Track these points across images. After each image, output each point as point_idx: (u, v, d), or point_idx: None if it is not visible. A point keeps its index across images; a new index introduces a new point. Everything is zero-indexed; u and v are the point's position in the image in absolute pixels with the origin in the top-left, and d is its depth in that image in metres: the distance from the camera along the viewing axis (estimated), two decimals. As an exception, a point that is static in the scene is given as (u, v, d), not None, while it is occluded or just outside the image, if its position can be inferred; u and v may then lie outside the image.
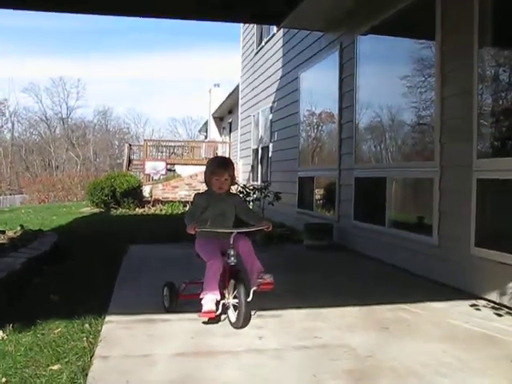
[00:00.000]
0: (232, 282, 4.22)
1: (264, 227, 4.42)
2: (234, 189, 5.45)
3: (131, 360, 3.45)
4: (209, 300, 4.09)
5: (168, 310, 4.55)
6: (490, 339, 4.01)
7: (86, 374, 3.18)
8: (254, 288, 4.22)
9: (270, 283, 4.30)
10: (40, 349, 3.65)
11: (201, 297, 4.11)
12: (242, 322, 4.05)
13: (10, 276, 5.19)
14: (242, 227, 4.40)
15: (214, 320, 4.18)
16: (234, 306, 4.18)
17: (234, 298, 4.16)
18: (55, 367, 3.31)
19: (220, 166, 4.47)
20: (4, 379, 3.13)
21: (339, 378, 3.15)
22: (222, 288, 4.26)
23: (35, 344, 3.74)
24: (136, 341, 3.84)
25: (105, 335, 3.93)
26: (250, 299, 4.10)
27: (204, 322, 4.20)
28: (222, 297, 4.22)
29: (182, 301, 4.60)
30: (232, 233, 4.29)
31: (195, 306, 4.18)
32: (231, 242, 4.26)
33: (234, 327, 4.11)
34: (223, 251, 4.31)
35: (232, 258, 4.24)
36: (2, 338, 3.86)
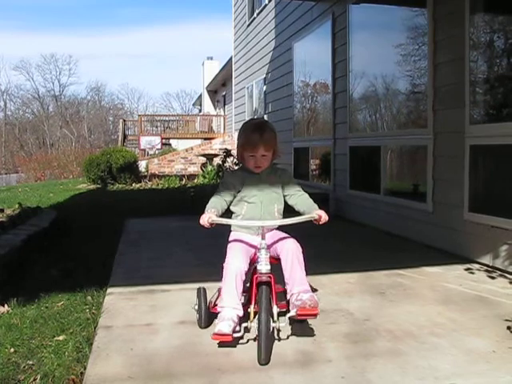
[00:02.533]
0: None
1: (312, 218, 3.19)
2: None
3: (134, 329, 3.54)
4: (225, 318, 3.08)
5: (201, 327, 3.47)
6: (483, 300, 4.11)
7: (91, 344, 3.27)
8: (291, 314, 3.15)
9: (312, 311, 3.08)
10: (45, 321, 3.74)
11: (218, 310, 3.20)
12: (263, 357, 2.89)
13: (11, 252, 5.26)
14: (281, 219, 3.32)
15: (232, 344, 3.13)
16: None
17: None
18: (60, 338, 3.40)
19: (253, 137, 3.22)
20: (12, 349, 3.22)
21: (337, 341, 3.24)
22: (247, 302, 3.23)
23: (40, 316, 3.83)
24: (138, 311, 3.93)
25: (107, 306, 4.02)
26: (276, 325, 3.05)
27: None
28: (246, 315, 3.15)
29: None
30: (262, 228, 3.17)
31: (194, 276, 4.25)
32: (262, 241, 3.12)
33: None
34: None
35: (261, 263, 3.08)
36: (7, 311, 3.95)
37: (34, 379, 2.82)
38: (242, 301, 3.20)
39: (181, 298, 4.20)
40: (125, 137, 29.16)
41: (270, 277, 3.06)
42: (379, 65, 7.50)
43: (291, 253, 3.19)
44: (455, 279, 4.74)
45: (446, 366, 2.90)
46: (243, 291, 3.22)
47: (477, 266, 5.20)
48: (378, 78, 7.59)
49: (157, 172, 21.84)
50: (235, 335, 3.06)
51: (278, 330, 3.18)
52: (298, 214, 3.34)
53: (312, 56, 10.37)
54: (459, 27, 5.46)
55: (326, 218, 3.21)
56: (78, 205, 11.07)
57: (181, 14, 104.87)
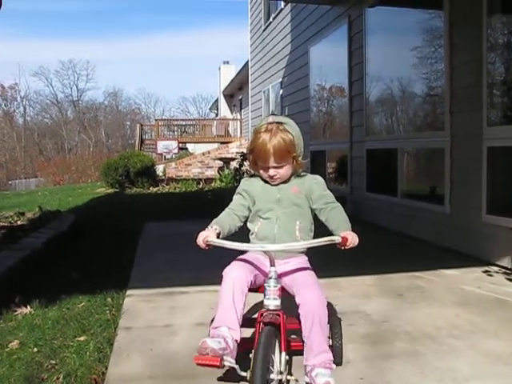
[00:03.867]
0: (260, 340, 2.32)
1: (332, 242, 2.44)
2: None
3: (154, 330, 3.58)
4: (214, 336, 2.47)
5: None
6: (502, 303, 4.10)
7: (112, 344, 3.32)
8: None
9: None
10: (66, 322, 3.79)
11: (211, 328, 2.57)
12: None
13: (32, 254, 5.33)
14: (288, 244, 2.58)
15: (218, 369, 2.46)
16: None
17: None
18: (82, 338, 3.45)
19: (261, 146, 2.60)
20: (35, 349, 3.28)
21: (356, 342, 3.25)
22: (248, 324, 2.63)
23: (61, 317, 3.88)
24: (157, 312, 3.96)
25: (127, 308, 4.06)
26: (283, 378, 2.42)
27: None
28: (242, 342, 2.53)
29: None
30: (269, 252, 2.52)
31: (213, 279, 4.27)
32: (271, 268, 2.49)
33: None
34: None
35: (268, 297, 2.46)
36: (30, 312, 4.01)
37: (57, 378, 2.87)
38: (240, 321, 2.53)
39: (199, 299, 4.24)
40: (142, 141, 29.29)
41: (278, 315, 2.43)
42: (395, 68, 7.49)
43: (311, 314, 2.48)
44: (473, 281, 4.72)
45: (464, 368, 2.90)
46: (245, 324, 2.59)
47: (495, 268, 5.17)
48: (394, 81, 7.59)
49: (174, 176, 21.94)
50: (226, 363, 2.36)
51: (287, 382, 2.48)
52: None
53: (328, 59, 10.38)
54: (476, 29, 5.44)
55: (355, 241, 2.48)
56: (97, 208, 11.17)
57: (197, 19, 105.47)
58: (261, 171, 2.70)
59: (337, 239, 2.43)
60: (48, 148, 53.54)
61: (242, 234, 2.75)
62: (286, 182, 2.72)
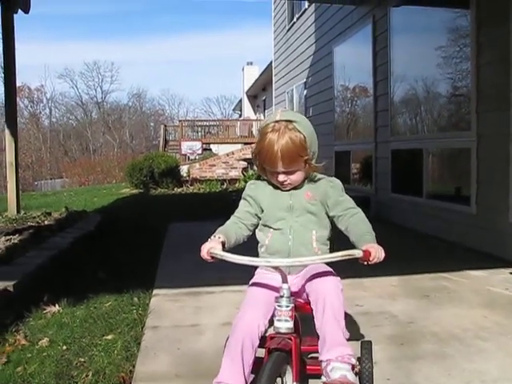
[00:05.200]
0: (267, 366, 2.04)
1: (352, 256, 2.10)
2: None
3: (180, 329, 3.61)
4: None
5: None
6: (530, 304, 4.06)
7: (139, 343, 3.35)
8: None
9: None
10: (94, 320, 3.83)
11: (214, 382, 2.22)
12: None
13: (60, 254, 5.40)
14: (307, 257, 2.25)
15: None
16: None
17: None
18: (109, 337, 3.49)
19: (267, 149, 2.30)
20: (64, 347, 3.33)
21: (382, 343, 3.24)
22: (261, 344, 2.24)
23: (89, 316, 3.93)
24: (183, 312, 4.00)
25: (153, 307, 4.10)
26: None
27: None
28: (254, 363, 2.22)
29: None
30: (289, 267, 2.35)
31: (236, 280, 4.29)
32: (282, 285, 2.20)
33: None
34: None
35: (279, 318, 2.18)
36: (59, 311, 4.07)
37: (86, 375, 2.91)
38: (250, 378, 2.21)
39: (224, 299, 4.26)
40: (166, 142, 29.47)
41: (289, 339, 2.15)
42: (420, 67, 7.45)
43: (322, 300, 2.22)
44: (500, 283, 4.67)
45: (492, 370, 2.87)
46: (255, 365, 2.20)
47: (522, 269, 5.12)
48: (418, 81, 7.54)
49: (198, 177, 22.04)
50: None
51: None
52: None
53: (352, 60, 10.35)
54: (503, 28, 5.39)
55: (380, 255, 2.16)
56: (122, 209, 11.27)
57: (220, 20, 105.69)
58: (272, 176, 2.39)
59: (358, 253, 2.09)
60: (73, 149, 54.08)
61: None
62: (298, 186, 2.42)
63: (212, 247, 2.23)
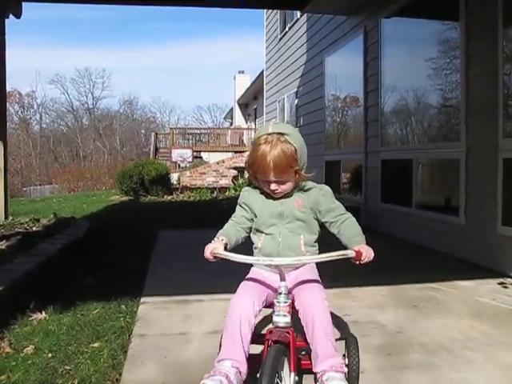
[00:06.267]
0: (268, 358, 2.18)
1: (345, 256, 2.31)
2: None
3: (168, 338, 3.58)
4: (216, 372, 2.36)
5: None
6: (518, 315, 4.07)
7: (126, 351, 3.32)
8: None
9: None
10: (80, 328, 3.79)
11: (215, 362, 2.43)
12: None
13: (48, 260, 5.37)
14: (300, 257, 2.50)
15: None
16: None
17: None
18: (96, 345, 3.45)
19: (260, 160, 2.44)
20: (50, 355, 3.29)
21: (370, 353, 3.23)
22: (258, 341, 2.49)
23: (76, 323, 3.89)
24: (171, 320, 3.97)
25: (141, 315, 4.07)
26: None
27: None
28: (250, 370, 2.40)
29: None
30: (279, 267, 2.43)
31: (225, 288, 4.28)
32: (281, 283, 2.41)
33: None
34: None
35: (277, 313, 2.37)
36: (45, 318, 4.02)
37: (72, 383, 2.88)
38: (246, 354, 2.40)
39: (213, 308, 4.24)
40: (156, 149, 29.47)
41: (287, 333, 2.33)
42: (411, 78, 7.48)
43: (311, 317, 2.39)
44: (488, 293, 4.68)
45: (479, 381, 2.87)
46: (253, 341, 2.44)
47: (511, 280, 5.13)
48: (409, 92, 7.58)
49: (188, 184, 22.01)
50: None
51: None
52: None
53: (344, 70, 10.39)
54: (492, 40, 5.43)
55: (370, 255, 2.35)
56: (111, 216, 11.22)
57: (212, 29, 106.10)
58: (264, 184, 2.54)
59: (350, 253, 2.30)
60: (63, 155, 53.91)
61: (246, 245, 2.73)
62: (288, 194, 2.57)
63: (215, 248, 2.41)
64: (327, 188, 2.63)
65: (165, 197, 16.61)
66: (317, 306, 2.41)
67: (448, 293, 4.72)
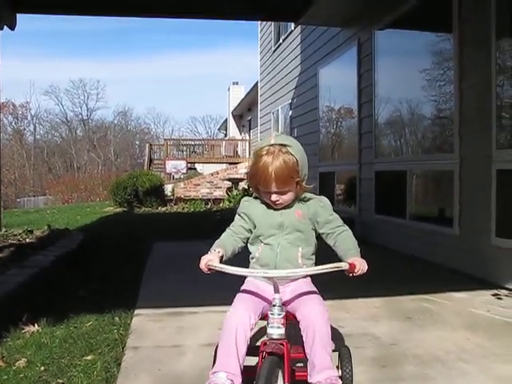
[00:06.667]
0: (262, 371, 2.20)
1: (339, 269, 2.33)
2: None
3: (162, 350, 3.57)
4: None
5: None
6: (512, 327, 4.07)
7: (119, 364, 3.30)
8: None
9: None
10: (74, 341, 3.77)
11: (210, 373, 2.43)
12: None
13: (41, 272, 5.34)
14: (295, 269, 2.50)
15: None
16: None
17: None
18: (89, 357, 3.43)
19: (262, 171, 2.46)
20: (42, 368, 3.27)
21: (365, 365, 3.22)
22: (252, 353, 2.47)
23: (69, 336, 3.87)
24: (165, 332, 3.95)
25: (135, 327, 4.05)
26: None
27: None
28: (246, 371, 2.42)
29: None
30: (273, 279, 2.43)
31: (221, 300, 4.26)
32: (275, 295, 2.40)
33: None
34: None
35: (272, 325, 2.36)
36: (38, 330, 4.00)
37: (64, 397, 2.86)
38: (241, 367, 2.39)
39: (208, 320, 4.22)
40: (151, 161, 29.47)
41: (281, 345, 2.33)
42: (405, 90, 7.52)
43: (312, 327, 2.41)
44: (483, 305, 4.68)
45: (474, 392, 2.87)
46: (248, 353, 2.43)
47: (505, 291, 5.13)
48: (403, 103, 7.61)
49: (182, 196, 21.98)
50: None
51: None
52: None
53: (338, 81, 10.43)
54: (485, 52, 5.46)
55: (364, 268, 2.39)
56: (106, 227, 11.19)
57: (207, 40, 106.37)
58: (265, 195, 2.55)
59: (344, 266, 2.33)
60: (57, 166, 53.80)
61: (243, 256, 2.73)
62: (288, 205, 2.59)
63: (210, 259, 2.41)
64: (326, 200, 2.69)
65: (159, 208, 16.60)
66: (318, 318, 2.43)
67: (442, 304, 4.72)
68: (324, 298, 2.56)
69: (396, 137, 8.21)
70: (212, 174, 24.91)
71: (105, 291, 5.19)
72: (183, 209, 16.50)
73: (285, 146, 2.48)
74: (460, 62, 6.02)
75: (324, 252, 2.70)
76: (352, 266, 2.35)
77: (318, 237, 2.68)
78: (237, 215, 2.72)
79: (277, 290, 2.39)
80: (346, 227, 2.65)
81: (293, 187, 2.51)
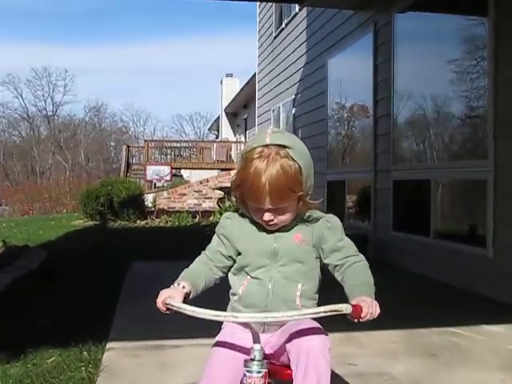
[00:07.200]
0: None
1: (340, 312, 1.96)
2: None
3: (138, 392, 3.54)
4: None
5: None
6: (557, 366, 4.05)
7: (87, 409, 3.28)
8: None
9: None
10: (31, 381, 3.73)
11: None
12: None
13: (-5, 298, 5.31)
14: (288, 313, 2.05)
15: None
16: None
17: None
18: (51, 401, 3.40)
19: (252, 181, 2.11)
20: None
21: (380, 411, 3.21)
22: None
23: (25, 375, 3.82)
24: (143, 370, 3.93)
25: (106, 364, 4.02)
26: None
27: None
28: None
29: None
30: (263, 324, 2.25)
31: (209, 330, 4.24)
32: (253, 346, 2.11)
33: None
34: None
35: None
36: (-12, 368, 3.97)
37: None
38: None
39: (193, 354, 4.18)
40: (128, 166, 29.46)
41: None
42: (429, 84, 7.53)
43: (305, 356, 2.09)
44: (522, 340, 4.68)
45: None
46: None
47: (548, 325, 5.13)
48: (427, 100, 7.61)
49: (166, 207, 21.99)
50: None
51: None
52: None
53: (350, 74, 10.45)
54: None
55: (374, 311, 2.01)
56: (73, 244, 11.16)
57: (196, 24, 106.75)
58: (255, 212, 2.22)
59: (345, 309, 1.96)
60: (15, 171, 53.83)
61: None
62: (286, 226, 2.26)
63: (170, 296, 2.12)
64: (336, 220, 2.35)
65: (138, 222, 16.58)
66: (315, 349, 2.10)
67: (473, 339, 4.70)
68: (329, 330, 2.26)
69: (418, 139, 8.21)
70: (201, 182, 24.92)
71: (71, 320, 5.15)
72: (166, 223, 16.50)
73: (284, 147, 2.14)
74: (496, 51, 6.02)
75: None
76: (357, 308, 1.99)
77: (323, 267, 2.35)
78: (215, 236, 2.40)
79: (256, 340, 2.11)
80: (361, 257, 2.31)
81: (293, 203, 2.18)
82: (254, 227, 2.29)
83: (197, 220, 16.73)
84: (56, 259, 8.42)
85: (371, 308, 2.01)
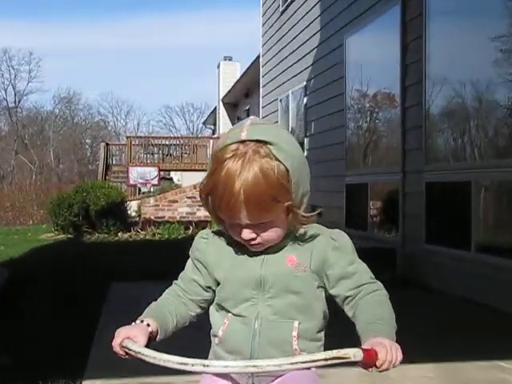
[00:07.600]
0: None
1: (346, 359, 1.69)
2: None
3: None
4: None
5: None
6: None
7: None
8: None
9: None
10: None
11: None
12: None
13: None
14: (283, 360, 1.75)
15: None
16: None
17: None
18: None
19: (224, 186, 1.89)
20: None
21: None
22: None
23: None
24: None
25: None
26: None
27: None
28: None
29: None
30: (251, 375, 2.01)
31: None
32: None
33: None
34: None
35: None
36: None
37: None
38: None
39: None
40: (108, 167, 29.51)
41: None
42: (469, 67, 7.51)
43: None
44: None
45: None
46: None
47: None
48: (467, 86, 7.60)
49: (153, 217, 21.99)
50: None
51: None
52: None
53: (372, 56, 10.45)
54: None
55: (393, 358, 1.73)
56: (41, 262, 11.16)
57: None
58: (232, 228, 2.02)
59: (354, 355, 1.70)
60: (-28, 175, 53.98)
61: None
62: (276, 246, 2.04)
63: (128, 336, 1.93)
64: (345, 238, 2.10)
65: (119, 235, 16.62)
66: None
67: (525, 375, 4.69)
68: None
69: (456, 134, 8.20)
70: (194, 187, 24.88)
71: (38, 355, 5.14)
72: (154, 235, 16.52)
73: (265, 143, 1.91)
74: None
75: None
76: (370, 354, 1.72)
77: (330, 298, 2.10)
78: (189, 261, 2.21)
79: None
80: (379, 285, 2.07)
81: (279, 217, 1.96)
82: (235, 249, 2.08)
83: (190, 232, 16.73)
84: (21, 280, 8.41)
85: (390, 354, 1.74)
